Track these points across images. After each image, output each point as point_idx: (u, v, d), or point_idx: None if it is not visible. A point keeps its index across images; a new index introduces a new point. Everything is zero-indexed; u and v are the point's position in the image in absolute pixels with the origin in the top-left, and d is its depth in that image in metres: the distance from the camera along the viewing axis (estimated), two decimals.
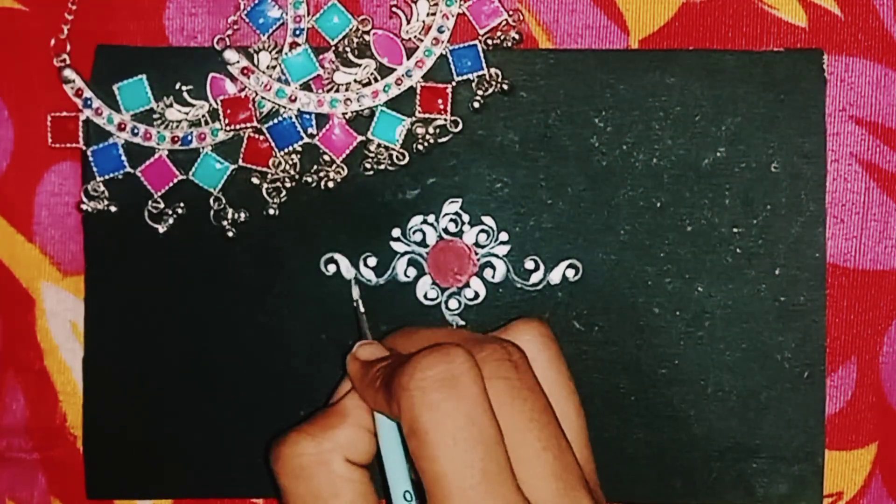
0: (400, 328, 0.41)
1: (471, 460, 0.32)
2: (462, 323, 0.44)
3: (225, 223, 0.44)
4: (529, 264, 0.44)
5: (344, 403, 0.38)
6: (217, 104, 0.43)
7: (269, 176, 0.44)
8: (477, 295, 0.44)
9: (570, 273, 0.43)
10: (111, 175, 0.44)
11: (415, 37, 0.43)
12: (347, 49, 0.44)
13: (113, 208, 0.44)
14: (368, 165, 0.44)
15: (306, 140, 0.43)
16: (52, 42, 0.44)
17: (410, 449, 0.33)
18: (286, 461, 0.36)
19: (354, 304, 0.42)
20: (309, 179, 0.44)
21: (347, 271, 0.44)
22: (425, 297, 0.44)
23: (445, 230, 0.44)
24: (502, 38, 0.43)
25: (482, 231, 0.44)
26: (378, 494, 0.37)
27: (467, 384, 0.33)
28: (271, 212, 0.44)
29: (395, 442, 0.36)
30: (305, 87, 0.43)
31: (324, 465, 0.36)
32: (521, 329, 0.38)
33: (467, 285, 0.44)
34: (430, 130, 0.43)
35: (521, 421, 0.34)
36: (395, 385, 0.34)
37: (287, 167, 0.44)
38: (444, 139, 0.43)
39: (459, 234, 0.44)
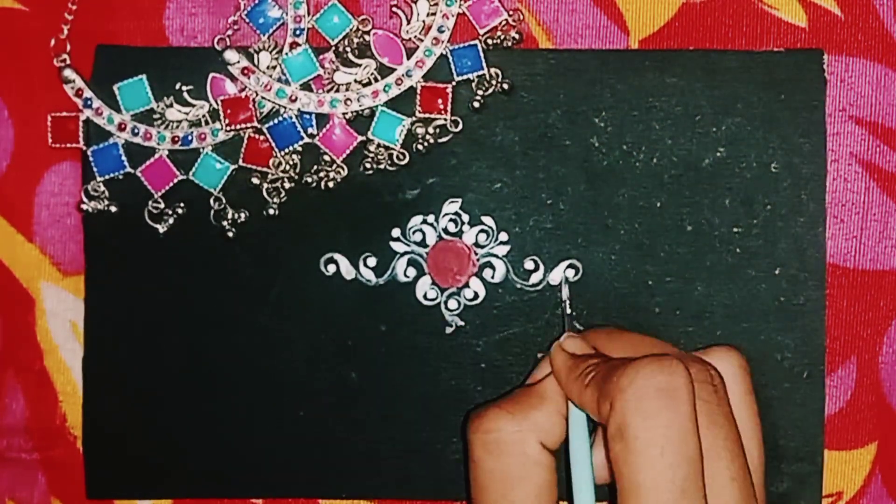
0: (601, 325, 0.41)
1: (674, 476, 0.32)
2: (461, 323, 0.44)
3: (225, 223, 0.44)
4: (529, 264, 0.44)
5: (544, 386, 0.38)
6: (217, 104, 0.43)
7: (270, 176, 0.44)
8: (476, 295, 0.44)
9: (570, 273, 0.43)
10: (111, 175, 0.44)
11: (415, 37, 0.43)
12: (348, 49, 0.44)
13: (113, 208, 0.44)
14: (368, 165, 0.44)
15: (306, 140, 0.43)
16: (53, 42, 0.44)
17: (612, 452, 0.33)
18: (483, 434, 0.37)
19: (563, 301, 0.43)
20: (309, 179, 0.44)
21: (347, 271, 0.44)
22: (425, 297, 0.44)
23: (445, 230, 0.44)
24: (502, 38, 0.43)
25: (482, 231, 0.44)
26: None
27: (684, 400, 0.33)
28: (271, 212, 0.44)
29: (583, 441, 0.37)
30: (306, 87, 0.43)
31: (518, 445, 0.36)
32: (721, 356, 0.38)
33: (467, 285, 0.44)
34: (431, 130, 0.43)
35: (715, 447, 0.34)
36: (611, 385, 0.34)
37: (287, 167, 0.44)
38: (444, 139, 0.43)
39: (459, 234, 0.44)
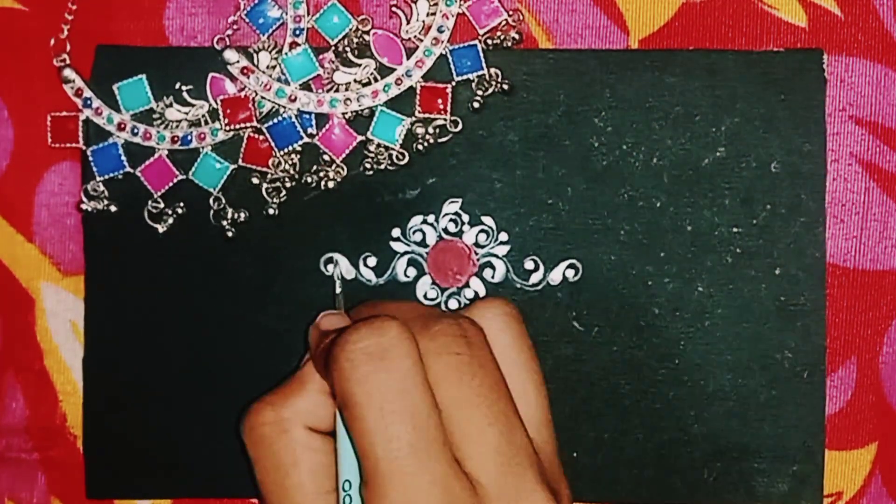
0: (368, 299, 0.41)
1: (398, 433, 0.32)
2: None
3: (225, 223, 0.44)
4: (529, 264, 0.44)
5: (304, 370, 0.38)
6: (217, 104, 0.43)
7: (269, 176, 0.44)
8: (477, 295, 0.44)
9: (570, 273, 0.43)
10: (111, 175, 0.44)
11: (415, 37, 0.43)
12: (347, 49, 0.44)
13: (113, 208, 0.44)
14: (368, 165, 0.44)
15: (306, 140, 0.43)
16: (52, 42, 0.44)
17: (344, 420, 0.34)
18: (250, 431, 0.37)
19: (336, 279, 0.43)
20: (309, 179, 0.44)
21: (347, 271, 0.44)
22: (425, 297, 0.44)
23: (445, 230, 0.44)
24: (502, 38, 0.43)
25: (482, 231, 0.44)
26: None
27: (398, 357, 0.33)
28: (271, 212, 0.44)
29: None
30: (305, 86, 0.43)
31: (284, 434, 0.36)
32: (483, 307, 0.38)
33: (467, 285, 0.44)
34: (430, 130, 0.43)
35: (467, 397, 0.34)
36: (329, 357, 0.34)
37: (287, 167, 0.44)
38: (443, 139, 0.43)
39: (459, 234, 0.44)
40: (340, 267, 0.43)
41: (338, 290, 0.43)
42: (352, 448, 0.35)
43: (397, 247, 0.44)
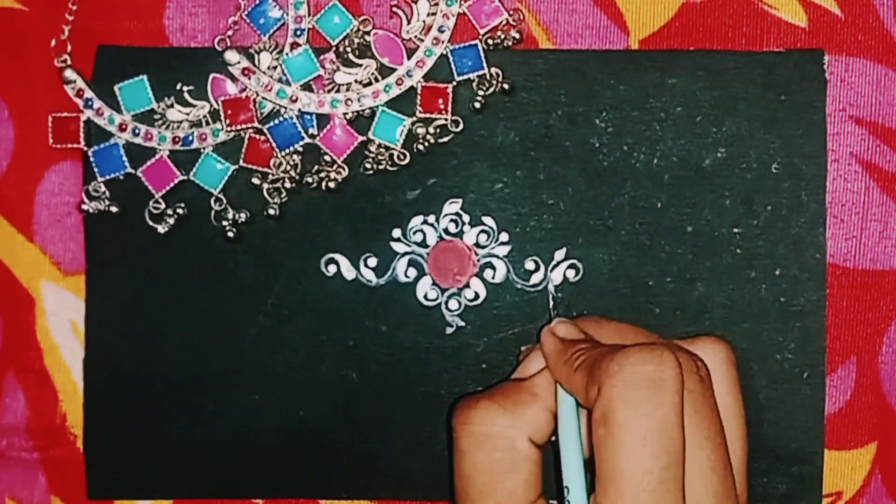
0: (588, 313, 0.41)
1: (653, 466, 0.33)
2: (462, 324, 0.44)
3: (226, 223, 0.44)
4: (530, 265, 0.44)
5: (536, 382, 0.38)
6: (218, 105, 0.43)
7: (270, 176, 0.44)
8: (477, 295, 0.44)
9: (571, 273, 0.43)
10: (112, 175, 0.44)
11: (415, 37, 0.43)
12: (348, 49, 0.44)
13: (114, 209, 0.44)
14: (369, 165, 0.44)
15: (307, 140, 0.43)
16: (53, 42, 0.44)
17: (596, 436, 0.34)
18: (472, 427, 0.37)
19: (550, 287, 0.43)
20: (310, 180, 0.44)
21: (348, 272, 0.44)
22: (425, 297, 0.44)
23: (446, 230, 0.44)
24: (502, 37, 0.43)
25: (482, 231, 0.44)
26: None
27: (671, 390, 0.33)
28: (272, 212, 0.44)
29: (572, 425, 0.37)
30: (306, 87, 0.43)
31: (509, 440, 0.37)
32: (708, 347, 0.38)
33: (467, 286, 0.44)
34: (431, 130, 0.43)
35: (697, 437, 0.34)
36: (600, 371, 0.34)
37: (288, 167, 0.44)
38: (444, 139, 0.43)
39: (460, 234, 0.44)
40: (551, 278, 0.43)
41: (553, 295, 0.43)
42: (580, 458, 0.36)
43: (398, 247, 0.44)
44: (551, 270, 0.43)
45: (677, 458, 0.33)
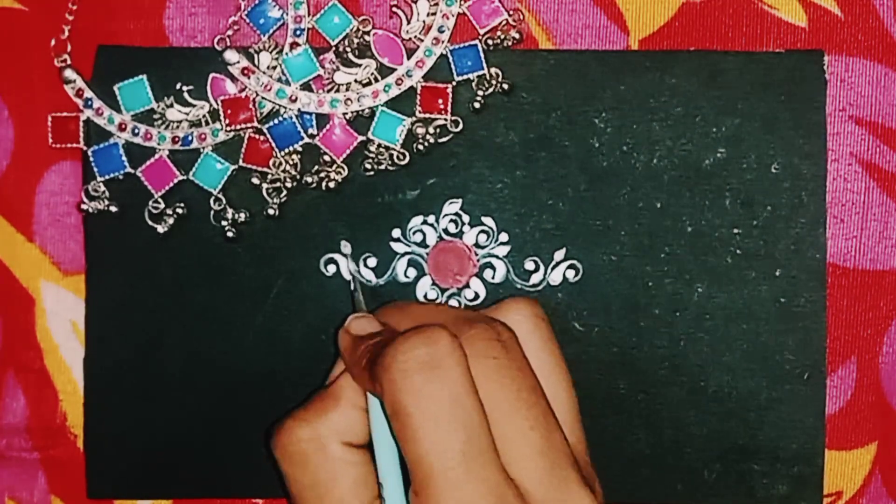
0: (392, 300, 0.41)
1: (452, 443, 0.32)
2: None
3: (225, 223, 0.44)
4: (529, 265, 0.44)
5: (338, 384, 0.38)
6: (217, 104, 0.43)
7: (270, 176, 0.44)
8: (477, 296, 0.44)
9: (571, 274, 0.43)
10: (112, 175, 0.44)
11: (415, 37, 0.43)
12: (348, 49, 0.44)
13: (113, 208, 0.44)
14: (369, 166, 0.44)
15: (307, 140, 0.43)
16: (53, 42, 0.44)
17: (394, 430, 0.34)
18: (284, 448, 0.37)
19: (351, 276, 0.43)
20: (309, 180, 0.44)
21: (347, 272, 0.44)
22: (425, 297, 0.44)
23: (445, 231, 0.44)
24: (502, 37, 0.43)
25: (482, 231, 0.44)
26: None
27: (450, 366, 0.33)
28: (271, 212, 0.44)
29: (383, 420, 0.36)
30: (306, 87, 0.43)
31: (320, 451, 0.36)
32: (511, 308, 0.38)
33: (467, 286, 0.44)
34: (431, 130, 0.43)
35: (508, 401, 0.34)
36: (377, 366, 0.34)
37: (287, 167, 0.44)
38: (444, 139, 0.43)
39: (459, 234, 0.44)
40: (350, 265, 0.43)
41: (355, 289, 0.42)
42: (394, 455, 0.36)
43: (397, 247, 0.44)
44: (551, 270, 0.43)
45: (478, 430, 0.33)
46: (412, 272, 0.44)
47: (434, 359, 0.33)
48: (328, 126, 0.43)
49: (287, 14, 0.44)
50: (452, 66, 0.43)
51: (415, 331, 0.34)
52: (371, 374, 0.35)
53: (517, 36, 0.43)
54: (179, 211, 0.44)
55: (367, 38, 0.43)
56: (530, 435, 0.34)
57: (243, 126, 0.43)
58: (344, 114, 0.43)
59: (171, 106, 0.44)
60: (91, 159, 0.44)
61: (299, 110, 0.43)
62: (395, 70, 0.43)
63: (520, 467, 0.34)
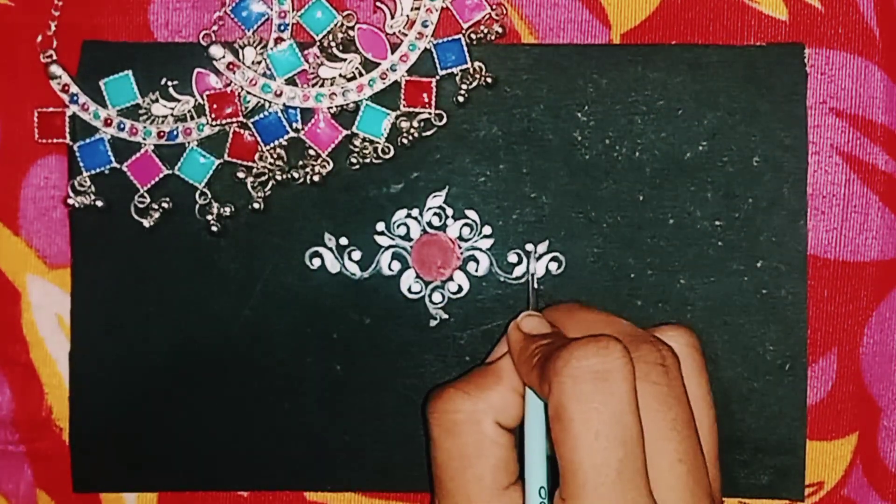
0: (563, 301, 0.42)
1: (609, 458, 0.33)
2: (445, 316, 0.44)
3: (210, 217, 0.44)
4: (512, 258, 0.44)
5: (500, 365, 0.38)
6: (203, 99, 0.43)
7: (255, 170, 0.44)
8: (460, 288, 0.44)
9: (553, 266, 0.44)
10: (98, 170, 0.44)
11: (399, 31, 0.44)
12: (332, 44, 0.44)
13: (99, 203, 0.44)
14: (354, 160, 0.44)
15: (292, 134, 0.44)
16: (39, 38, 0.44)
17: (553, 433, 0.34)
18: (440, 415, 0.37)
19: (530, 275, 0.43)
20: (295, 174, 0.44)
21: (332, 265, 0.44)
22: (409, 290, 0.44)
23: (429, 224, 0.44)
24: (485, 32, 0.43)
25: (466, 225, 0.44)
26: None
27: (619, 381, 0.34)
28: (256, 206, 0.44)
29: (539, 419, 0.37)
30: (290, 81, 0.44)
31: (475, 424, 0.37)
32: (672, 335, 0.38)
33: (451, 279, 0.44)
34: (415, 124, 0.44)
35: (663, 429, 0.35)
36: (549, 368, 0.34)
37: (272, 162, 0.44)
38: (428, 133, 0.44)
39: (443, 227, 0.44)
40: (532, 264, 0.43)
41: (534, 284, 0.43)
42: (542, 451, 0.36)
43: (382, 240, 0.44)
44: (537, 260, 0.44)
45: (635, 449, 0.33)
46: (396, 265, 0.44)
47: (606, 370, 0.34)
48: (313, 120, 0.44)
49: (271, 9, 0.44)
50: (436, 61, 0.43)
51: (591, 338, 0.35)
52: (541, 375, 0.35)
53: (500, 30, 0.44)
54: (165, 205, 0.44)
55: (351, 32, 0.44)
56: (678, 467, 0.34)
57: (228, 121, 0.43)
58: (329, 108, 0.44)
59: (157, 101, 0.44)
60: (77, 154, 0.44)
61: (284, 105, 0.44)
62: (379, 64, 0.43)
63: (664, 496, 0.34)
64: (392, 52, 0.43)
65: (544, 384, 0.35)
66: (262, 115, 0.44)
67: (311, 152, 0.44)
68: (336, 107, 0.43)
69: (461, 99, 0.43)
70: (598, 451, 0.33)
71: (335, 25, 0.44)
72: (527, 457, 0.37)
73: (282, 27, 0.44)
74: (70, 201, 0.44)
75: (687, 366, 0.38)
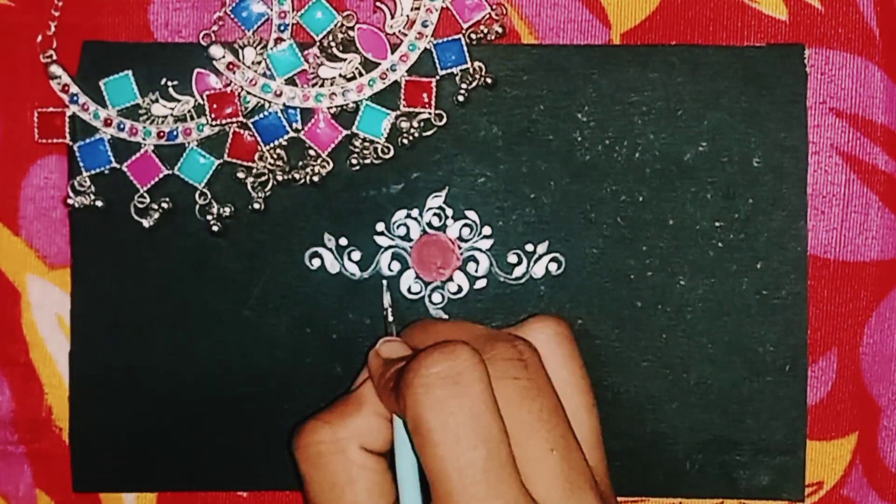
0: (418, 320, 0.41)
1: (473, 458, 0.33)
2: (446, 317, 0.44)
3: (210, 217, 0.44)
4: (512, 258, 0.44)
5: (361, 391, 0.38)
6: (203, 99, 0.43)
7: (255, 170, 0.44)
8: (460, 289, 0.44)
9: (553, 267, 0.44)
10: (97, 170, 0.44)
11: (399, 31, 0.44)
12: (332, 44, 0.44)
13: (99, 203, 0.44)
14: (354, 160, 0.44)
15: (292, 135, 0.44)
16: (39, 38, 0.44)
17: (416, 446, 0.34)
18: (304, 449, 0.37)
19: (385, 307, 0.43)
20: (295, 174, 0.44)
21: (332, 265, 0.44)
22: (409, 290, 0.44)
23: (429, 224, 0.44)
24: (485, 32, 0.43)
25: (465, 225, 0.44)
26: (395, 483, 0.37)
27: (471, 382, 0.34)
28: (256, 206, 0.44)
29: (406, 438, 0.37)
30: (290, 81, 0.44)
31: (340, 453, 0.37)
32: (536, 327, 0.39)
33: (451, 279, 0.44)
34: (415, 124, 0.44)
35: (529, 421, 0.35)
36: (400, 382, 0.34)
37: (272, 162, 0.44)
38: (428, 133, 0.44)
39: (443, 228, 0.44)
40: (386, 292, 0.43)
41: (389, 316, 0.43)
42: (414, 471, 0.36)
43: (381, 241, 0.44)
44: (533, 264, 0.44)
45: (498, 446, 0.33)
46: (396, 266, 0.44)
47: (455, 374, 0.34)
48: (313, 120, 0.44)
49: (271, 9, 0.44)
50: (436, 61, 0.43)
51: (437, 346, 0.35)
52: (397, 393, 0.35)
53: (500, 30, 0.44)
54: (165, 205, 0.44)
55: (351, 32, 0.44)
56: (550, 457, 0.34)
57: (228, 121, 0.43)
58: (329, 108, 0.44)
59: (157, 101, 0.44)
60: (77, 154, 0.44)
61: (284, 105, 0.44)
62: (379, 64, 0.43)
63: (540, 487, 0.34)
64: (392, 52, 0.43)
65: (400, 401, 0.34)
66: (262, 115, 0.44)
67: (311, 152, 0.44)
68: (336, 107, 0.44)
69: (461, 99, 0.43)
70: (460, 454, 0.33)
71: (335, 25, 0.44)
72: (399, 477, 0.37)
73: (282, 27, 0.44)
74: (70, 201, 0.44)
75: (556, 354, 0.38)
